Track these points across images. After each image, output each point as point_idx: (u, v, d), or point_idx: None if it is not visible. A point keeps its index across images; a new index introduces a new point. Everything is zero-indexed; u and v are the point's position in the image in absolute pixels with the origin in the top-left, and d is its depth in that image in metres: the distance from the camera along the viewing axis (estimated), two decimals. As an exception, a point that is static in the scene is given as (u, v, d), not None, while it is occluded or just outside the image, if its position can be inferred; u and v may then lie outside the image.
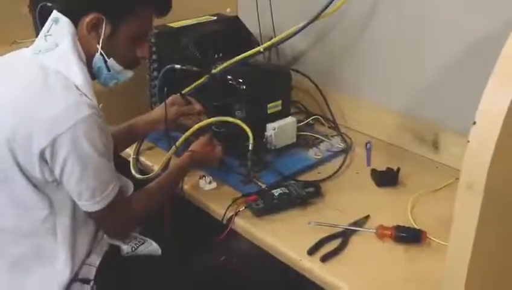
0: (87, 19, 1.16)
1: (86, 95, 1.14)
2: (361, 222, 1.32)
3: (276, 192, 1.38)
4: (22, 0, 2.36)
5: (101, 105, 1.23)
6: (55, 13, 1.20)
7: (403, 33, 1.61)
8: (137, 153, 1.66)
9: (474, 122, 0.83)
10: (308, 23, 1.53)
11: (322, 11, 1.51)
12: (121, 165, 1.59)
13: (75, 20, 1.17)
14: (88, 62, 1.21)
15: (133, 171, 1.59)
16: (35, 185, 1.16)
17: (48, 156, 1.10)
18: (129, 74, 1.29)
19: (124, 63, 1.25)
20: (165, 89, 1.54)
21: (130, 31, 1.21)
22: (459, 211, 0.88)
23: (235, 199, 1.38)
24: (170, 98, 1.54)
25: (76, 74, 1.15)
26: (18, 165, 1.13)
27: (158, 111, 1.55)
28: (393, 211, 1.37)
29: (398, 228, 1.26)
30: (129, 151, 1.66)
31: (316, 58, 1.87)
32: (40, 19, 2.25)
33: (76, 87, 1.14)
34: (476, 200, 0.84)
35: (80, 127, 1.09)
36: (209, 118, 1.54)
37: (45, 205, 1.18)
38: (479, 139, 0.82)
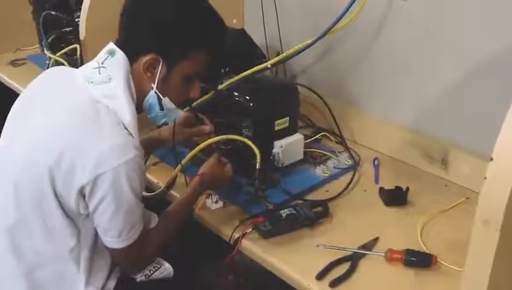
0: (145, 59, 1.17)
1: (131, 134, 1.14)
2: (370, 245, 1.30)
3: (284, 213, 1.36)
4: (26, 8, 2.36)
5: None
6: (111, 45, 1.20)
7: (412, 48, 1.59)
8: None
9: (492, 159, 0.81)
10: (317, 40, 1.51)
11: (331, 28, 1.49)
12: None
13: (132, 57, 1.18)
14: (139, 97, 1.21)
15: (139, 189, 1.57)
16: (67, 214, 1.16)
17: (86, 191, 1.10)
18: (179, 112, 1.31)
19: (176, 102, 1.26)
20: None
21: (184, 73, 1.22)
22: (475, 246, 0.86)
23: (243, 220, 1.36)
24: (182, 116, 1.52)
25: (125, 111, 1.15)
26: (55, 193, 1.13)
27: (168, 131, 1.55)
28: (403, 232, 1.36)
29: (408, 252, 1.24)
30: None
31: (324, 72, 1.85)
32: (44, 27, 2.25)
33: (124, 125, 1.14)
34: (493, 237, 0.82)
35: (123, 169, 1.09)
36: (216, 134, 1.52)
37: (74, 233, 1.18)
38: (497, 175, 0.80)
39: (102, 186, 1.09)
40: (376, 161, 1.66)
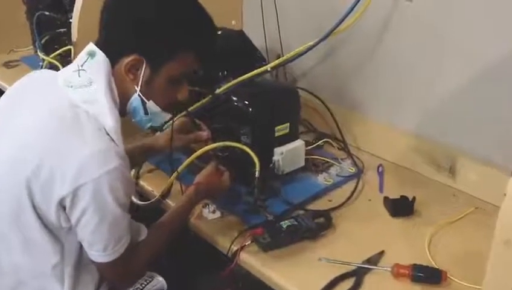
0: (127, 60, 1.09)
1: (114, 141, 1.07)
2: (375, 259, 1.23)
3: (285, 224, 1.30)
4: (20, 8, 2.29)
5: None
6: (91, 46, 1.12)
7: (417, 51, 1.52)
8: (137, 176, 1.58)
9: (512, 173, 0.74)
10: (319, 42, 1.45)
11: (334, 29, 1.42)
12: None
13: (113, 58, 1.10)
14: (122, 101, 1.14)
15: (133, 197, 1.50)
16: (48, 228, 1.09)
17: (67, 203, 1.04)
18: (166, 116, 1.23)
19: (162, 105, 1.18)
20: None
21: (170, 74, 1.14)
22: (494, 266, 0.79)
23: (241, 231, 1.30)
24: (178, 122, 1.45)
25: (107, 116, 1.08)
26: (33, 205, 1.06)
27: (164, 137, 1.47)
28: (410, 245, 1.29)
29: (415, 267, 1.17)
30: (128, 174, 1.58)
31: (326, 76, 1.79)
32: (37, 28, 2.19)
33: (106, 131, 1.07)
34: (513, 257, 0.75)
35: (105, 179, 1.02)
36: (213, 141, 1.45)
37: (57, 249, 1.11)
38: (518, 192, 0.74)
39: (83, 198, 1.02)
40: (380, 168, 1.60)
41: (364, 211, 1.43)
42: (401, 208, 1.41)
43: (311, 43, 1.45)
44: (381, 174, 1.58)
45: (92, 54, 1.11)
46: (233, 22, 1.94)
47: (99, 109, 1.08)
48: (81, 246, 1.12)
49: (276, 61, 1.50)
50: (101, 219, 1.05)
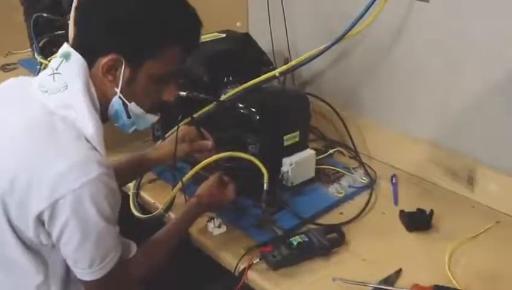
0: (104, 60, 0.99)
1: (95, 148, 0.98)
2: (392, 279, 1.15)
3: (295, 240, 1.22)
4: (18, 9, 2.21)
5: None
6: (65, 47, 1.03)
7: (433, 56, 1.44)
8: (138, 187, 1.50)
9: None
10: (332, 45, 1.37)
11: (347, 32, 1.34)
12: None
13: (90, 59, 1.01)
14: (102, 104, 1.05)
15: (133, 210, 1.43)
16: (28, 247, 1.01)
17: (45, 219, 0.95)
18: (152, 118, 1.12)
19: (145, 106, 1.08)
20: (179, 117, 1.37)
21: (152, 73, 1.04)
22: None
23: (249, 248, 1.22)
24: (182, 130, 1.36)
25: (87, 122, 0.99)
26: (9, 222, 0.98)
27: (167, 147, 1.38)
28: (429, 263, 1.21)
29: (436, 289, 1.09)
30: (129, 185, 1.50)
31: (336, 81, 1.71)
32: (35, 30, 2.11)
33: (86, 139, 0.98)
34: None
35: (86, 190, 0.93)
36: (218, 151, 1.37)
37: (40, 269, 1.03)
38: None
39: (63, 212, 0.93)
40: (394, 179, 1.52)
41: (379, 225, 1.35)
42: (417, 222, 1.33)
43: (323, 46, 1.36)
44: (395, 185, 1.50)
45: (66, 56, 1.01)
46: (238, 24, 1.86)
47: (78, 115, 0.99)
48: (67, 264, 1.03)
49: (285, 66, 1.42)
50: (84, 234, 0.96)
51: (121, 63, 1.00)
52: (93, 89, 1.01)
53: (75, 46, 1.01)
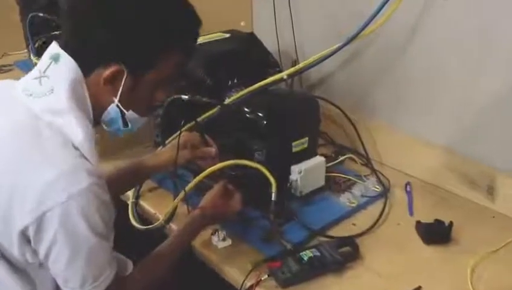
0: (107, 72, 0.92)
1: (85, 157, 0.90)
2: (412, 297, 1.07)
3: (305, 255, 1.14)
4: (13, 9, 2.13)
5: (96, 135, 0.99)
6: (55, 48, 0.94)
7: (450, 56, 1.36)
8: (138, 196, 1.42)
9: None
10: (343, 45, 1.29)
11: (360, 31, 1.26)
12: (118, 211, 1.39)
13: (87, 66, 0.93)
14: (96, 109, 0.96)
15: (133, 220, 1.35)
16: (14, 266, 0.92)
17: (31, 235, 0.86)
18: (143, 121, 1.05)
19: (141, 112, 1.02)
20: (182, 122, 1.28)
21: (155, 80, 0.97)
22: None
23: (256, 263, 1.13)
24: (184, 136, 1.28)
25: (76, 128, 0.91)
26: None
27: (168, 154, 1.30)
28: (449, 279, 1.13)
29: (460, 309, 1.01)
30: (128, 193, 1.42)
31: (345, 82, 1.62)
32: (31, 30, 2.03)
33: (74, 146, 0.90)
34: None
35: (75, 202, 0.85)
36: (223, 158, 1.29)
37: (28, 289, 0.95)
38: None
39: (50, 227, 0.85)
40: (408, 187, 1.44)
41: (394, 237, 1.27)
42: (436, 234, 1.25)
43: (335, 46, 1.28)
44: (409, 194, 1.41)
45: (55, 58, 0.93)
46: (242, 23, 1.78)
47: (65, 121, 0.91)
48: (57, 283, 0.95)
49: (293, 68, 1.34)
50: (74, 251, 0.88)
51: (122, 74, 0.93)
52: (86, 94, 0.93)
53: (67, 48, 0.93)
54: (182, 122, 1.26)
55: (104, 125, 1.01)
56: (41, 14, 1.98)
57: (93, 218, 0.87)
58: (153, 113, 1.07)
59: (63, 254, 0.87)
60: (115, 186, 1.26)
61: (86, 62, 0.92)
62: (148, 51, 0.93)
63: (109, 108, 0.97)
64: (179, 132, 1.25)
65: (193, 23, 0.99)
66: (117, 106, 0.96)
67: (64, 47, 0.93)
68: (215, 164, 1.26)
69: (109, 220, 0.93)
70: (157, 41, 0.93)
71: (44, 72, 0.92)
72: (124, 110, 0.97)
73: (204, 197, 1.21)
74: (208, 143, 1.29)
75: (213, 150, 1.28)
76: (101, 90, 0.94)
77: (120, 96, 0.95)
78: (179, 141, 1.25)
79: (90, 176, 0.86)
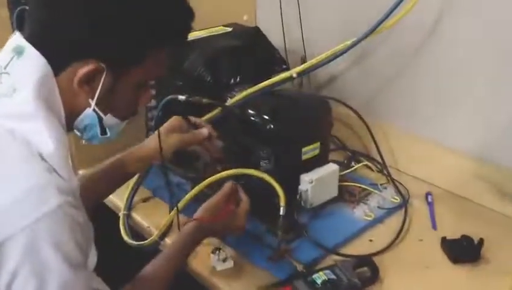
0: (84, 70, 0.77)
1: (55, 170, 0.75)
2: (442, 328, 0.93)
3: (318, 278, 1.00)
4: (3, 4, 1.99)
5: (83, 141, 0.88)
6: (18, 39, 0.79)
7: (479, 53, 1.22)
8: (130, 207, 1.28)
9: None
10: (359, 41, 1.15)
11: (378, 25, 1.12)
12: (107, 224, 1.24)
13: (58, 62, 0.78)
14: (69, 115, 0.82)
15: (124, 235, 1.21)
16: None
17: None
18: (123, 125, 0.90)
19: (121, 116, 0.88)
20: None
21: (139, 80, 0.83)
22: None
23: (263, 288, 0.99)
24: (168, 122, 1.14)
25: (44, 136, 0.76)
26: None
27: (152, 142, 1.14)
28: (483, 306, 0.99)
29: None
30: (119, 204, 1.28)
31: (358, 82, 1.48)
32: (18, 26, 1.89)
33: (42, 158, 0.75)
34: None
35: (43, 226, 0.70)
36: (225, 166, 1.16)
37: None
38: None
39: (12, 256, 0.69)
40: (429, 197, 1.30)
41: (417, 255, 1.13)
42: (464, 252, 1.11)
43: (350, 41, 1.14)
44: (431, 205, 1.27)
45: (19, 51, 0.78)
46: (244, 17, 1.64)
47: (32, 126, 0.76)
48: None
49: (303, 66, 1.19)
50: (42, 284, 0.71)
51: (101, 72, 0.78)
52: (57, 95, 0.78)
53: (34, 40, 0.78)
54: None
55: (77, 132, 0.87)
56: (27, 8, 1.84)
57: (67, 246, 0.72)
58: (133, 116, 0.91)
59: (29, 287, 0.71)
60: (99, 187, 1.13)
61: (57, 57, 0.77)
62: (131, 45, 0.79)
63: (84, 112, 0.82)
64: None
65: (183, 14, 0.84)
66: (94, 110, 0.82)
67: (29, 39, 0.78)
68: (214, 148, 1.12)
69: (87, 245, 0.78)
70: (142, 34, 0.79)
71: (5, 68, 0.78)
72: (102, 115, 0.83)
73: (202, 207, 1.06)
74: (199, 125, 1.14)
75: (205, 130, 1.13)
76: (75, 91, 0.79)
77: (97, 98, 0.81)
78: (159, 135, 1.09)
79: (61, 194, 0.71)
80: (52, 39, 0.78)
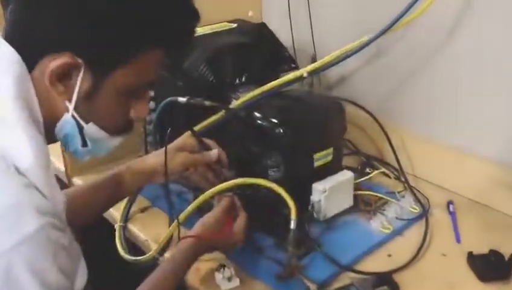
0: (55, 63, 0.67)
1: (35, 186, 0.65)
2: None
3: (335, 299, 0.90)
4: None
5: None
6: None
7: (502, 56, 1.12)
8: (126, 218, 1.18)
9: None
10: (375, 39, 1.05)
11: (397, 20, 1.03)
12: (102, 236, 1.17)
13: (30, 57, 0.68)
14: (47, 119, 0.72)
15: (120, 249, 1.12)
16: None
17: None
18: (114, 141, 0.80)
19: (109, 128, 0.77)
20: (168, 130, 1.04)
21: (125, 84, 0.72)
22: None
23: (272, 312, 0.90)
24: (180, 139, 1.05)
25: (22, 147, 0.66)
26: None
27: (155, 158, 1.06)
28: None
29: None
30: (115, 214, 1.18)
31: (371, 83, 1.39)
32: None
33: (19, 171, 0.65)
34: None
35: (20, 253, 0.60)
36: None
37: None
38: None
39: None
40: (451, 207, 1.20)
41: (441, 272, 1.03)
42: (493, 268, 1.01)
43: (367, 38, 1.04)
44: (453, 216, 1.17)
45: None
46: (249, 13, 1.54)
47: (7, 135, 0.66)
48: None
49: (315, 64, 1.09)
50: None
51: (79, 69, 0.68)
52: (34, 98, 0.69)
53: (7, 35, 0.68)
54: (168, 131, 1.01)
55: (62, 145, 0.77)
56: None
57: (49, 273, 0.62)
58: (128, 133, 0.81)
59: None
60: (91, 205, 1.03)
61: (29, 51, 0.67)
62: (114, 40, 0.68)
63: (62, 118, 0.72)
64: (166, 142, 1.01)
65: (182, 13, 0.73)
66: (73, 116, 0.72)
67: (5, 35, 0.68)
68: (223, 177, 1.02)
69: (73, 267, 0.68)
70: (128, 29, 0.68)
71: None
72: (82, 123, 0.73)
73: (199, 222, 0.97)
74: (207, 147, 1.05)
75: (214, 152, 1.04)
76: (49, 93, 0.70)
77: (76, 103, 0.70)
78: (166, 147, 1.00)
79: (40, 214, 0.61)
80: (23, 31, 0.68)
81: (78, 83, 0.69)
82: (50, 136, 0.73)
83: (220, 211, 0.99)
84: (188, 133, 1.06)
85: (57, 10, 0.66)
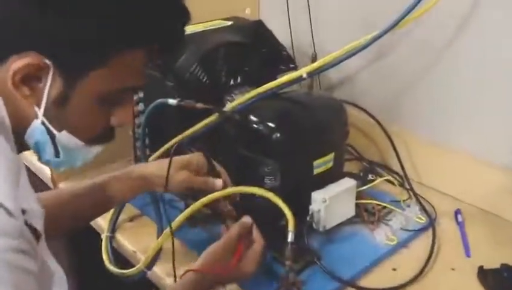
0: (16, 65, 0.60)
1: (2, 205, 0.56)
2: None
3: (336, 320, 0.83)
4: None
5: None
6: None
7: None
8: (114, 228, 1.11)
9: None
10: (379, 37, 0.98)
11: (404, 17, 0.96)
12: (89, 246, 1.11)
13: None
14: (16, 126, 0.65)
15: (106, 261, 1.05)
16: None
17: None
18: (92, 151, 0.72)
19: (85, 137, 0.70)
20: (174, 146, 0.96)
21: (101, 89, 0.65)
22: None
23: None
24: (188, 156, 0.97)
25: None
26: None
27: (153, 167, 0.98)
28: None
29: None
30: (102, 224, 1.11)
31: (374, 85, 1.32)
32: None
33: None
34: None
35: None
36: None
37: None
38: None
39: None
40: (459, 216, 1.13)
41: (450, 288, 0.96)
42: (505, 285, 0.95)
43: (370, 36, 0.98)
44: (462, 226, 1.10)
45: None
46: (246, 11, 1.47)
47: None
48: None
49: (315, 64, 1.02)
50: None
51: (47, 71, 0.61)
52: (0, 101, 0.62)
53: None
54: (173, 149, 0.94)
55: (35, 154, 0.70)
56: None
57: None
58: (109, 141, 0.73)
59: None
60: (77, 215, 0.96)
61: None
62: (83, 37, 0.61)
63: (32, 125, 0.65)
64: (170, 153, 0.93)
65: (169, 11, 0.66)
66: (43, 122, 0.65)
67: None
68: (226, 207, 0.96)
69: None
70: (110, 24, 0.61)
71: None
72: (54, 131, 0.66)
73: (205, 251, 0.87)
74: (215, 172, 0.98)
75: (220, 182, 0.96)
76: (15, 96, 0.63)
77: (46, 108, 0.63)
78: (171, 158, 0.93)
79: (2, 236, 0.54)
80: None
81: (47, 86, 0.62)
82: (22, 144, 0.67)
83: (231, 237, 0.88)
84: (199, 154, 0.98)
85: (20, 5, 0.59)
